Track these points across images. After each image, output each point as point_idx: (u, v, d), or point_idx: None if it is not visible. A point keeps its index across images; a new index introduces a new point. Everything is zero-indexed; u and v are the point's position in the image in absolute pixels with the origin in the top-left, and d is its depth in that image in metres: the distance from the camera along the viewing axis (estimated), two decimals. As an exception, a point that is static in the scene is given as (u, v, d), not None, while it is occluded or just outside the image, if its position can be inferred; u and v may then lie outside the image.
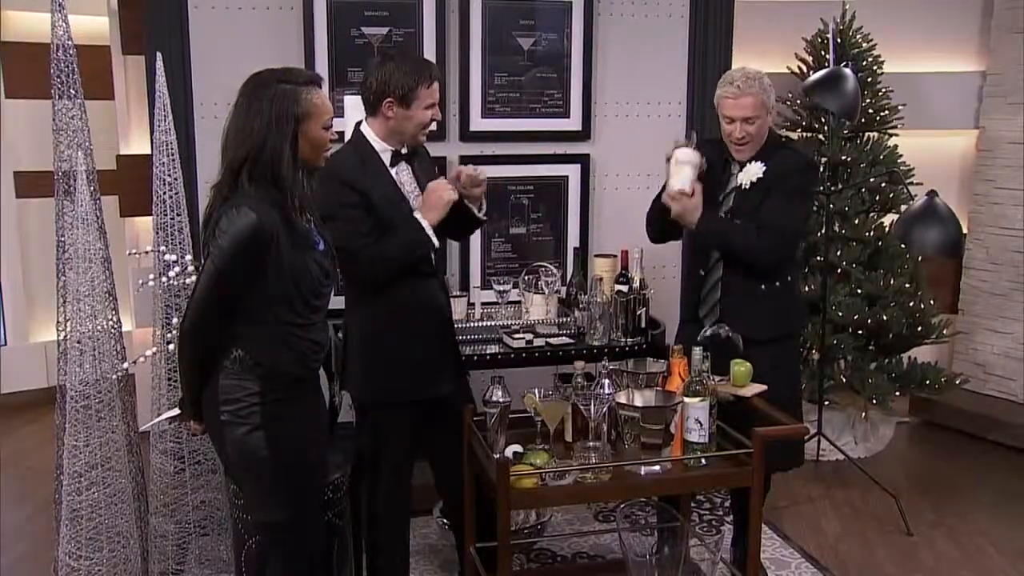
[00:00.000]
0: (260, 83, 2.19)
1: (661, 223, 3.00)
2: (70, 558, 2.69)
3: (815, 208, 4.39)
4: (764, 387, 2.63)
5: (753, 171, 2.88)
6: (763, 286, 2.93)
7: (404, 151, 2.68)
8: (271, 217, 2.10)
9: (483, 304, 3.54)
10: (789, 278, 3.00)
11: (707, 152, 2.95)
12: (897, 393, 4.41)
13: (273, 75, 2.20)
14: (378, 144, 2.64)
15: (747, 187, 2.89)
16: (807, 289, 4.28)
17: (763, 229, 2.85)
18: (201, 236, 2.23)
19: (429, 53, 3.60)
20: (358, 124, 2.69)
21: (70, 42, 2.84)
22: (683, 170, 2.80)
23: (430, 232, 2.59)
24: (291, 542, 2.30)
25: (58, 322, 2.94)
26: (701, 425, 2.39)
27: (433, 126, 2.70)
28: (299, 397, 2.25)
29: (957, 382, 4.53)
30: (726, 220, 2.90)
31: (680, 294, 3.26)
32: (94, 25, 4.57)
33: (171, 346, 2.87)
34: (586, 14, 3.77)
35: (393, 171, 2.65)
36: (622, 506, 2.98)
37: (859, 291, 4.32)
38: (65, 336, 2.86)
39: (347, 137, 3.07)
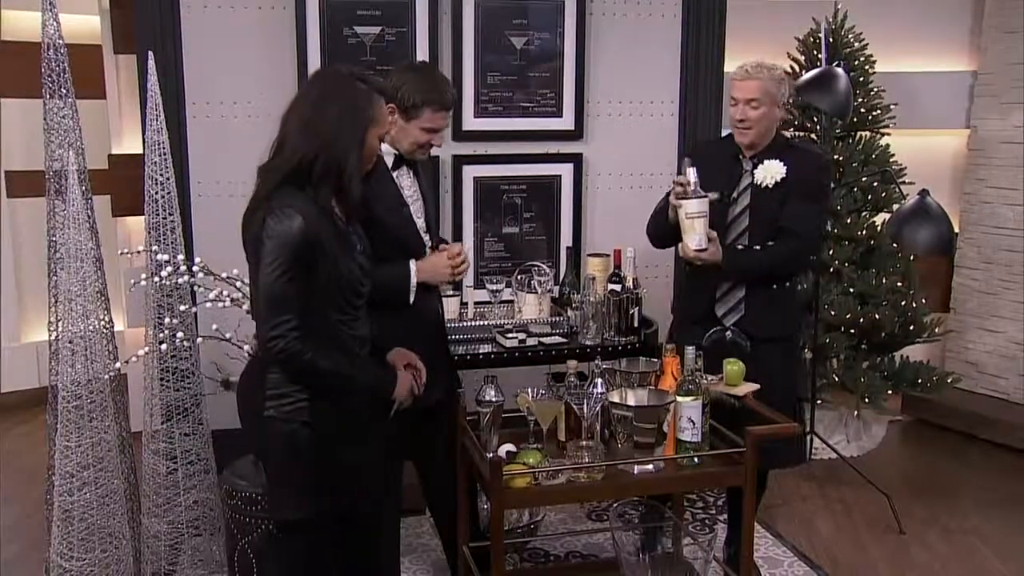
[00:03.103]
0: (338, 77, 2.17)
1: (666, 235, 2.99)
2: (62, 559, 2.68)
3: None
4: (757, 386, 2.64)
5: (774, 170, 2.89)
6: (775, 285, 2.97)
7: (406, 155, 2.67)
8: (319, 220, 2.07)
9: (476, 303, 3.54)
10: (791, 280, 3.06)
11: (717, 149, 3.00)
12: (889, 392, 4.43)
13: (350, 72, 2.18)
14: (383, 146, 2.63)
15: (769, 186, 2.90)
16: (800, 288, 4.28)
17: (791, 234, 2.89)
18: (249, 224, 2.15)
19: (422, 53, 3.60)
20: None
21: (61, 41, 2.83)
22: (695, 225, 2.77)
23: (414, 283, 2.60)
24: (329, 537, 2.27)
25: (50, 322, 2.93)
26: (694, 424, 2.40)
27: (434, 151, 2.70)
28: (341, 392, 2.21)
29: (949, 381, 4.54)
30: (748, 251, 2.91)
31: (678, 295, 3.23)
32: (85, 24, 4.55)
33: (163, 346, 2.86)
34: (579, 14, 3.77)
35: (395, 174, 2.65)
36: (615, 505, 2.98)
37: (851, 290, 4.33)
38: (57, 336, 2.85)
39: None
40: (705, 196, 2.77)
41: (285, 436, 2.15)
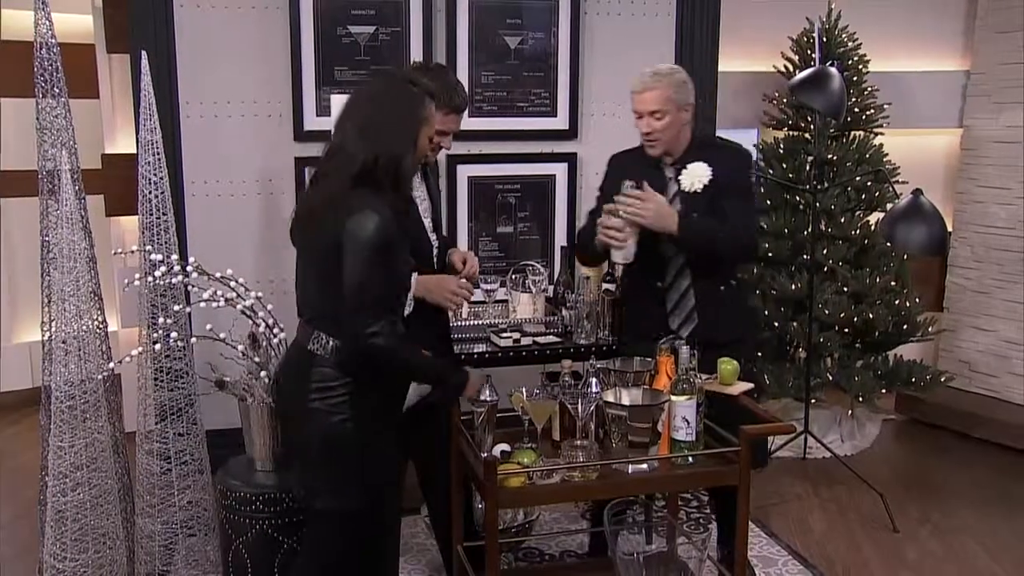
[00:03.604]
0: (389, 80, 2.31)
1: (595, 254, 2.95)
2: (55, 559, 2.67)
3: (801, 207, 4.43)
4: (751, 385, 2.64)
5: (699, 173, 2.83)
6: (722, 287, 2.94)
7: None
8: (392, 220, 2.15)
9: (471, 303, 3.53)
10: (736, 280, 3.01)
11: (637, 159, 2.93)
12: (883, 391, 4.45)
13: (401, 75, 2.32)
14: None
15: (698, 190, 2.83)
16: (794, 288, 4.30)
17: (735, 228, 2.83)
18: (319, 224, 2.19)
19: (416, 52, 3.59)
20: None
21: (53, 40, 2.82)
22: (627, 241, 2.75)
23: (411, 295, 2.58)
24: (364, 530, 2.35)
25: (43, 322, 2.92)
26: (688, 423, 2.40)
27: (442, 154, 2.70)
28: (383, 387, 2.30)
29: (942, 379, 4.56)
30: (704, 219, 2.82)
31: (627, 314, 3.13)
32: (78, 23, 4.54)
33: (157, 346, 2.86)
34: (573, 13, 3.77)
35: None
36: (610, 504, 2.98)
37: (845, 289, 4.35)
38: (50, 336, 2.84)
39: (332, 136, 3.06)
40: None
41: (329, 427, 2.22)
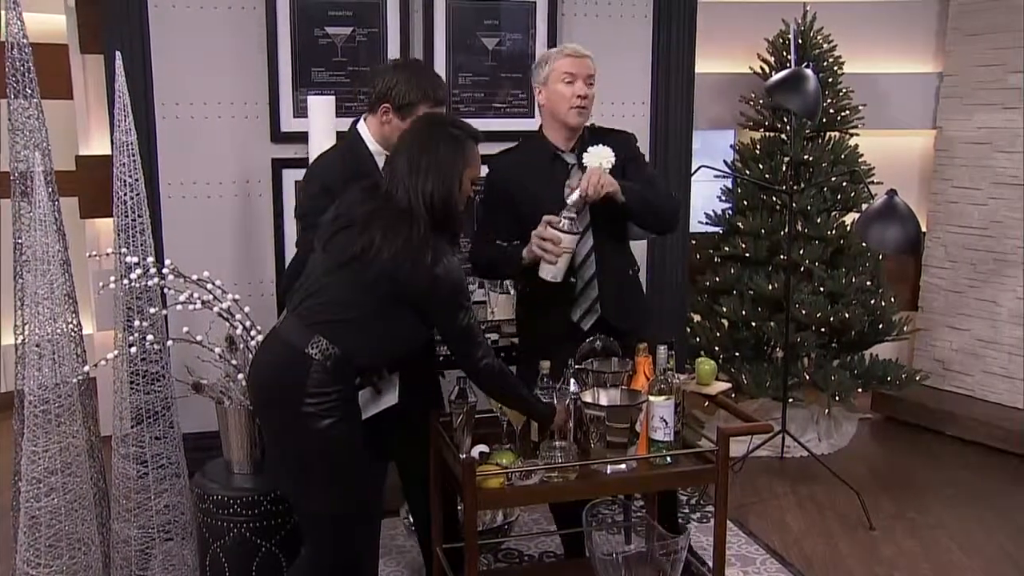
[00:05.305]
0: (434, 123, 2.37)
1: (510, 274, 2.96)
2: (29, 566, 2.64)
3: (778, 208, 4.46)
4: (728, 385, 2.66)
5: (604, 154, 2.75)
6: (631, 271, 2.94)
7: None
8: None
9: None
10: (636, 267, 3.01)
11: (527, 157, 2.87)
12: (859, 390, 4.48)
13: (445, 119, 2.41)
14: (373, 146, 2.63)
15: (607, 169, 2.74)
16: (771, 288, 4.33)
17: (659, 187, 2.85)
18: (400, 269, 2.23)
19: (393, 53, 3.59)
20: (354, 123, 2.69)
21: (25, 40, 2.79)
22: (562, 260, 2.65)
23: None
24: (358, 531, 2.42)
25: (16, 325, 2.89)
26: (666, 423, 2.41)
27: None
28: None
29: (917, 378, 4.61)
30: (633, 182, 2.77)
31: (527, 319, 3.05)
32: (51, 23, 4.49)
33: (133, 349, 2.83)
34: (550, 15, 3.77)
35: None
36: (588, 505, 2.99)
37: (822, 289, 4.38)
38: (23, 340, 2.81)
39: (311, 139, 3.05)
40: (578, 232, 2.67)
41: (323, 431, 2.25)
